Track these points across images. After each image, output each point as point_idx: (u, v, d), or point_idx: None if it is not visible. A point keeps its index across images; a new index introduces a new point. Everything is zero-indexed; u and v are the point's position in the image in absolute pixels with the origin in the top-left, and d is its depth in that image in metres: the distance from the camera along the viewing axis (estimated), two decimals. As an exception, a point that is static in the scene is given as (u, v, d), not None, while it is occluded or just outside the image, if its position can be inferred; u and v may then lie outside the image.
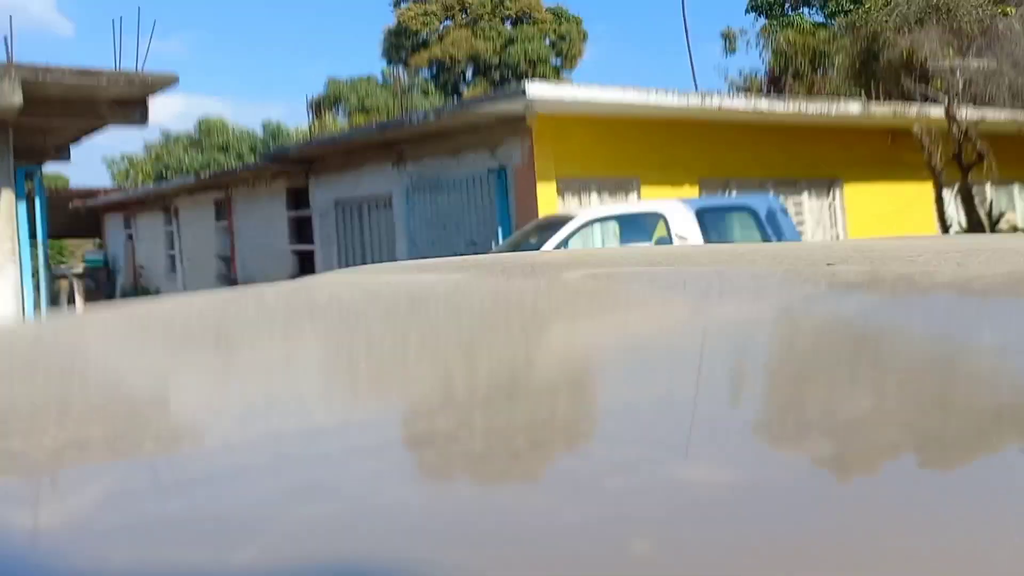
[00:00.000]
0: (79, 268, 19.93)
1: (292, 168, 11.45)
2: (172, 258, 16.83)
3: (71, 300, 16.98)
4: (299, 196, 12.23)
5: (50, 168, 10.02)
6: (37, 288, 7.23)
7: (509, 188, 8.22)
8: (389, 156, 9.79)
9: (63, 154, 8.40)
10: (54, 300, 9.43)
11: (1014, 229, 9.24)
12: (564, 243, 5.81)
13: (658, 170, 8.50)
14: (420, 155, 9.39)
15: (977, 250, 1.07)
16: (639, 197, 8.47)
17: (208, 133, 31.78)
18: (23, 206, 7.20)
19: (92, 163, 41.82)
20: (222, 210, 14.69)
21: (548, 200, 7.97)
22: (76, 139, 8.00)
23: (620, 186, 8.53)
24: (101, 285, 18.45)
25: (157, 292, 16.97)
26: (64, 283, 17.28)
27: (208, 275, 15.24)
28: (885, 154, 9.54)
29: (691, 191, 8.71)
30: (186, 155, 30.45)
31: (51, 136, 7.52)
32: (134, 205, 17.81)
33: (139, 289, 17.55)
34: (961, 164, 7.74)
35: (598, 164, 8.26)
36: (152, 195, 16.59)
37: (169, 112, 55.74)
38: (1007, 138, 8.95)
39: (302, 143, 10.31)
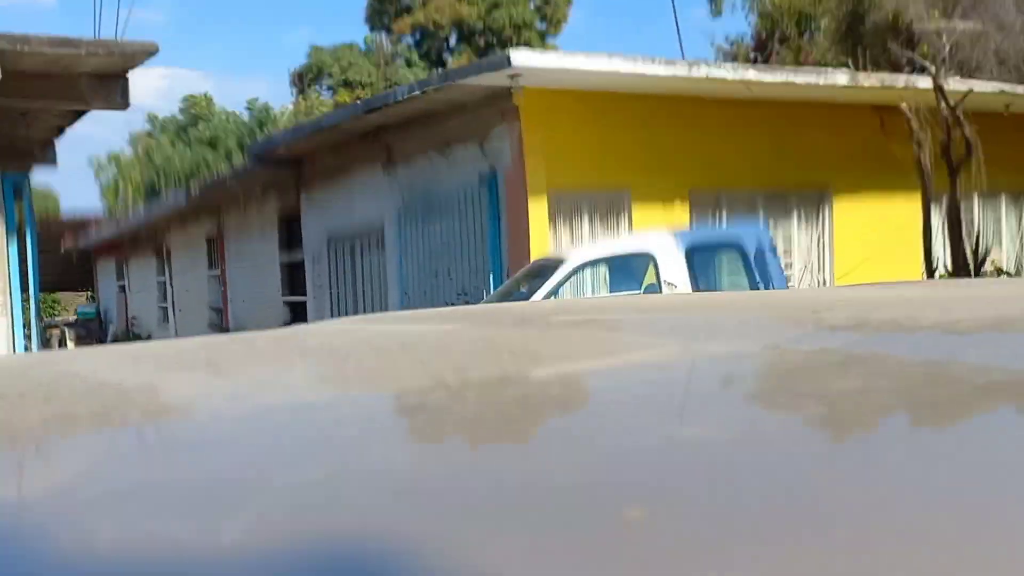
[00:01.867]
0: (71, 319, 19.89)
1: (280, 172, 11.39)
2: (164, 309, 16.79)
3: (62, 345, 16.90)
4: (292, 232, 12.22)
5: (37, 179, 9.91)
6: (28, 338, 7.19)
7: (500, 203, 8.23)
8: (378, 155, 9.76)
9: (49, 155, 8.32)
10: (46, 347, 9.37)
11: (998, 272, 9.29)
12: (555, 291, 5.82)
13: (649, 175, 8.52)
14: (409, 152, 9.37)
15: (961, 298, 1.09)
16: (630, 219, 8.49)
17: (194, 119, 31.65)
18: (14, 249, 7.16)
19: (79, 170, 41.30)
20: (214, 254, 14.69)
21: (540, 219, 8.00)
22: (60, 130, 7.93)
23: (612, 205, 8.55)
24: (93, 333, 18.39)
25: (149, 338, 16.90)
26: (55, 331, 17.23)
27: (200, 324, 15.20)
28: (875, 145, 9.55)
29: (682, 208, 8.73)
30: (174, 150, 30.25)
31: (34, 126, 7.41)
32: (126, 246, 17.80)
33: (131, 335, 17.48)
34: (950, 161, 7.72)
35: (589, 165, 8.24)
36: (144, 229, 16.54)
37: (152, 90, 55.20)
38: (993, 124, 8.94)
39: (288, 132, 10.24)
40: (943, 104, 7.66)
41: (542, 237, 8.00)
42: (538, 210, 8.03)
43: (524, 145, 7.92)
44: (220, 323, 14.54)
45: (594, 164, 8.30)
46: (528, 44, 28.53)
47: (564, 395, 0.59)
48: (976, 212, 10.36)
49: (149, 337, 17.02)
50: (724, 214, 9.17)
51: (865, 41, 13.73)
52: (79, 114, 7.25)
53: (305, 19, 72.50)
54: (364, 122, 9.30)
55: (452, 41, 33.74)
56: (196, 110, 32.32)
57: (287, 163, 11.21)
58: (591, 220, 8.50)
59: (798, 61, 17.01)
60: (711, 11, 21.54)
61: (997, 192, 10.66)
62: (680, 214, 8.71)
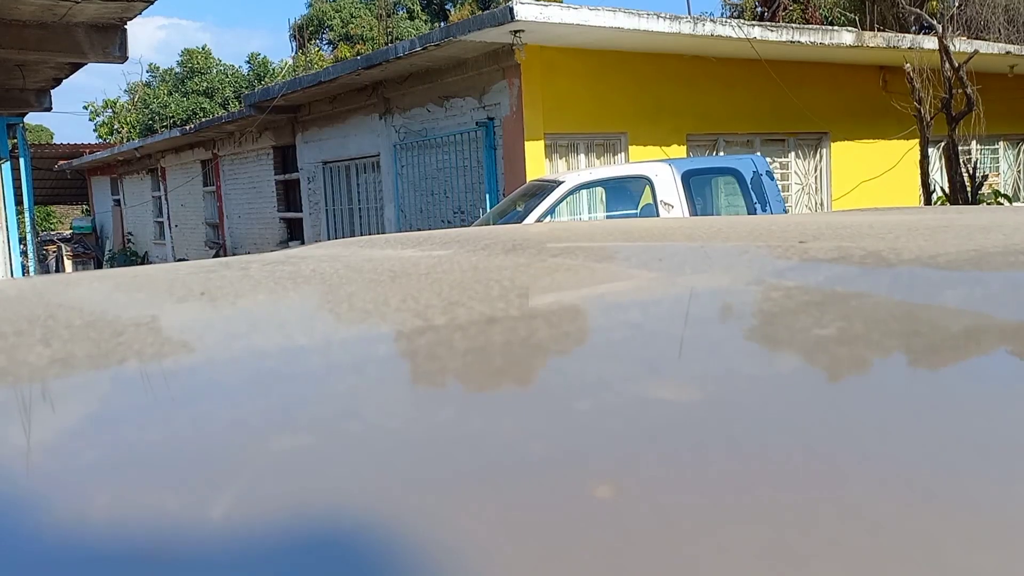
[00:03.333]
0: (67, 234, 19.81)
1: (277, 118, 11.31)
2: (160, 224, 16.74)
3: (59, 265, 16.91)
4: (287, 157, 12.15)
5: (32, 118, 9.84)
6: (24, 254, 7.19)
7: (497, 144, 8.19)
8: (376, 106, 9.68)
9: (44, 102, 8.25)
10: (42, 265, 9.38)
11: (996, 195, 9.28)
12: (551, 211, 5.82)
13: (646, 123, 8.48)
14: (407, 105, 9.28)
15: (946, 227, 1.10)
16: (627, 156, 8.47)
17: (191, 70, 31.10)
18: (7, 168, 7.12)
19: (75, 116, 40.76)
20: (209, 173, 14.58)
21: (536, 157, 7.95)
22: (56, 81, 7.84)
23: (608, 145, 8.52)
24: (89, 249, 18.37)
25: (146, 256, 16.91)
26: (52, 248, 17.20)
27: (197, 240, 15.17)
28: (875, 99, 9.49)
29: (679, 151, 8.71)
30: (171, 100, 29.82)
31: (30, 76, 7.33)
32: (120, 165, 17.64)
33: (128, 253, 17.47)
34: (950, 113, 7.70)
35: (586, 116, 8.22)
36: (138, 154, 16.40)
37: (150, 43, 54.21)
38: (997, 83, 8.89)
39: (286, 84, 10.08)
40: (947, 65, 7.56)
41: (538, 170, 7.95)
42: (535, 149, 7.98)
43: (523, 96, 7.85)
44: (217, 239, 14.53)
45: (592, 113, 8.26)
46: None
47: (546, 340, 0.61)
48: (973, 152, 10.35)
49: (146, 255, 17.04)
50: (721, 154, 9.14)
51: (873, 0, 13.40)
52: (76, 65, 7.13)
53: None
54: (363, 77, 9.20)
55: None
56: (194, 63, 31.57)
57: (283, 109, 11.05)
58: (588, 158, 8.45)
59: (804, 18, 16.59)
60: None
61: (995, 138, 10.63)
62: (678, 155, 8.67)
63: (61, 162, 18.66)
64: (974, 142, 9.82)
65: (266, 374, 0.53)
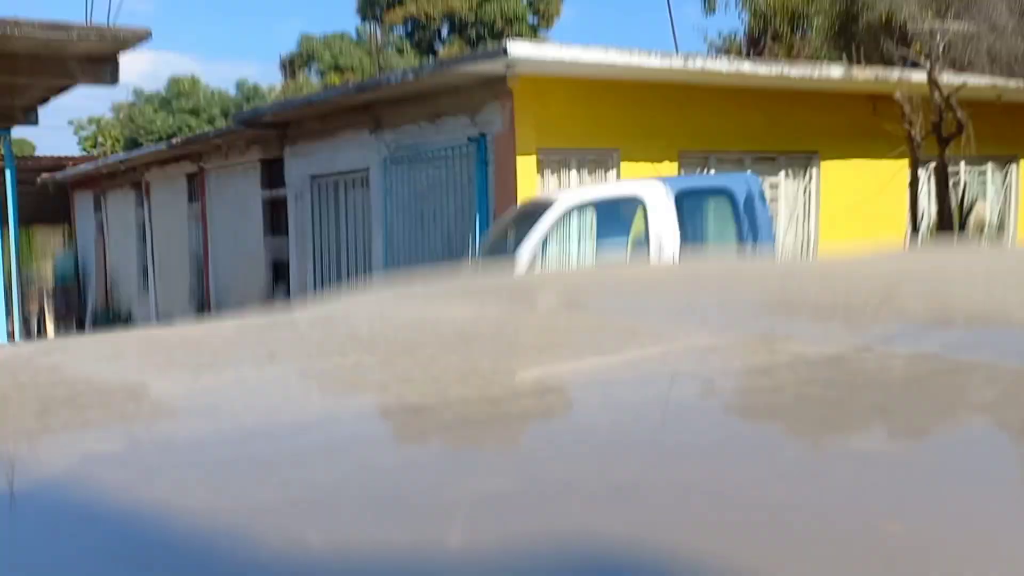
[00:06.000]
0: (49, 285, 19.26)
1: (266, 132, 11.25)
2: (144, 271, 16.49)
3: (41, 326, 16.82)
4: (274, 170, 12.04)
5: (16, 132, 9.77)
6: (9, 314, 7.13)
7: (488, 160, 8.18)
8: (367, 122, 9.65)
9: (31, 117, 8.21)
10: (26, 325, 9.14)
11: (981, 228, 9.37)
12: (544, 238, 5.81)
13: (638, 140, 8.50)
14: (399, 122, 9.26)
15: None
16: (619, 173, 8.47)
17: (178, 94, 31.01)
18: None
19: (60, 129, 40.70)
20: (195, 188, 14.47)
21: (528, 172, 7.95)
22: (44, 99, 7.82)
23: (600, 161, 8.52)
24: (72, 309, 18.14)
25: (129, 315, 16.75)
26: (34, 308, 17.02)
27: (181, 292, 15.03)
28: (866, 121, 9.54)
29: (671, 168, 8.71)
30: (157, 117, 29.65)
31: (19, 96, 7.32)
32: (104, 179, 17.48)
33: (111, 313, 17.31)
34: (940, 135, 7.78)
35: (579, 132, 8.23)
36: (122, 167, 16.22)
37: (138, 71, 54.26)
38: (987, 108, 8.98)
39: (276, 104, 10.14)
40: (936, 94, 7.69)
41: (530, 188, 7.94)
42: (527, 164, 7.99)
43: (516, 113, 7.87)
44: (200, 286, 14.41)
45: (585, 128, 8.27)
46: (520, 36, 28.05)
47: (562, 420, 0.63)
48: (962, 174, 10.47)
49: (129, 314, 16.83)
50: (713, 172, 9.17)
51: (858, 40, 13.62)
52: (67, 86, 7.15)
53: (296, 10, 70.62)
54: (354, 99, 9.23)
55: (444, 32, 33.82)
56: (180, 88, 31.47)
57: (272, 125, 11.03)
58: (579, 175, 8.46)
59: (791, 56, 16.81)
60: (704, 9, 21.32)
61: (984, 159, 10.77)
62: (669, 172, 8.69)
63: (44, 175, 18.49)
64: (963, 163, 9.90)
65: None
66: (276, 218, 12.38)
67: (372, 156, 9.68)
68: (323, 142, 10.58)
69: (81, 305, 18.48)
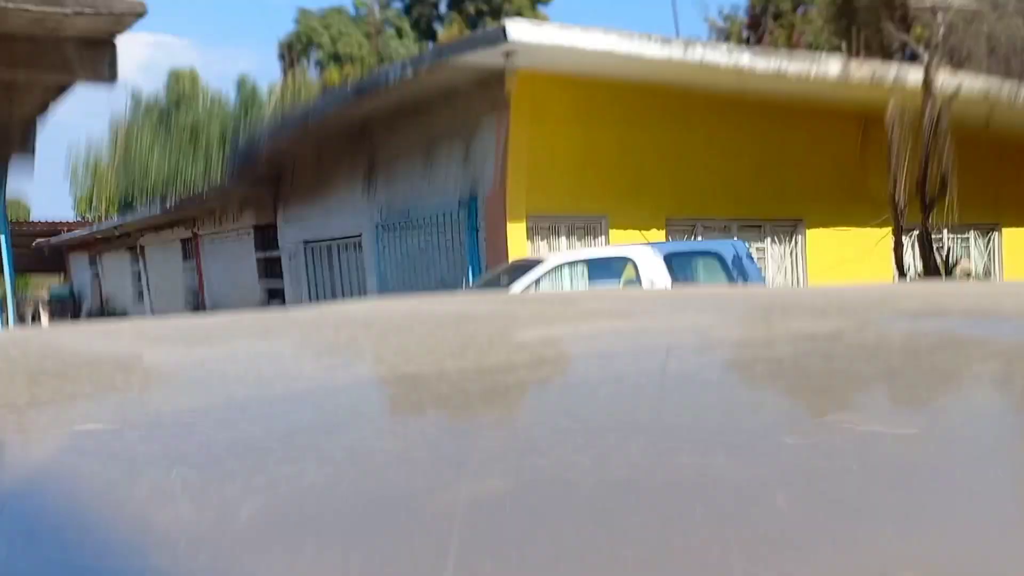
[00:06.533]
0: (45, 297, 19.42)
1: (258, 189, 11.27)
2: (140, 292, 16.55)
3: (35, 319, 16.65)
4: (267, 236, 12.10)
5: (9, 188, 9.75)
6: (3, 308, 7.10)
7: (479, 225, 8.21)
8: (360, 163, 9.66)
9: (29, 140, 8.14)
10: (20, 320, 9.17)
11: (968, 275, 9.41)
12: (535, 285, 5.84)
13: (627, 205, 8.56)
14: (392, 158, 9.28)
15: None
16: (607, 239, 8.52)
17: (178, 101, 31.14)
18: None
19: (52, 185, 40.68)
20: (189, 251, 14.52)
21: (518, 238, 7.98)
22: (44, 107, 7.78)
23: (589, 228, 8.57)
24: (67, 308, 18.10)
25: (124, 314, 16.66)
26: (29, 305, 16.94)
27: (176, 299, 14.99)
28: (850, 185, 9.65)
29: (658, 235, 8.78)
30: (151, 154, 29.70)
31: (17, 101, 7.28)
32: (99, 243, 17.52)
33: (106, 311, 17.21)
34: (923, 198, 7.84)
35: (568, 197, 8.27)
36: (117, 232, 16.29)
37: (136, 62, 54.03)
38: (972, 146, 9.01)
39: (272, 128, 10.16)
40: (928, 107, 7.74)
41: (520, 253, 7.95)
42: (517, 231, 8.04)
43: (508, 165, 7.90)
44: (196, 295, 14.38)
45: (574, 193, 8.33)
46: (519, 13, 28.34)
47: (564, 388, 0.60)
48: (945, 240, 10.57)
49: (125, 313, 16.78)
50: (700, 239, 9.25)
51: (859, 20, 13.86)
52: (64, 89, 7.16)
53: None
54: (349, 116, 9.19)
55: (442, 8, 33.63)
56: (180, 87, 31.77)
57: (264, 181, 11.08)
58: (568, 241, 8.51)
59: (791, 41, 17.25)
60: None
61: (966, 227, 10.92)
62: (657, 239, 8.75)
63: (39, 240, 18.53)
64: (946, 231, 9.99)
65: None
66: (270, 270, 12.41)
67: (364, 222, 9.74)
68: (315, 206, 10.63)
69: (76, 308, 18.36)
